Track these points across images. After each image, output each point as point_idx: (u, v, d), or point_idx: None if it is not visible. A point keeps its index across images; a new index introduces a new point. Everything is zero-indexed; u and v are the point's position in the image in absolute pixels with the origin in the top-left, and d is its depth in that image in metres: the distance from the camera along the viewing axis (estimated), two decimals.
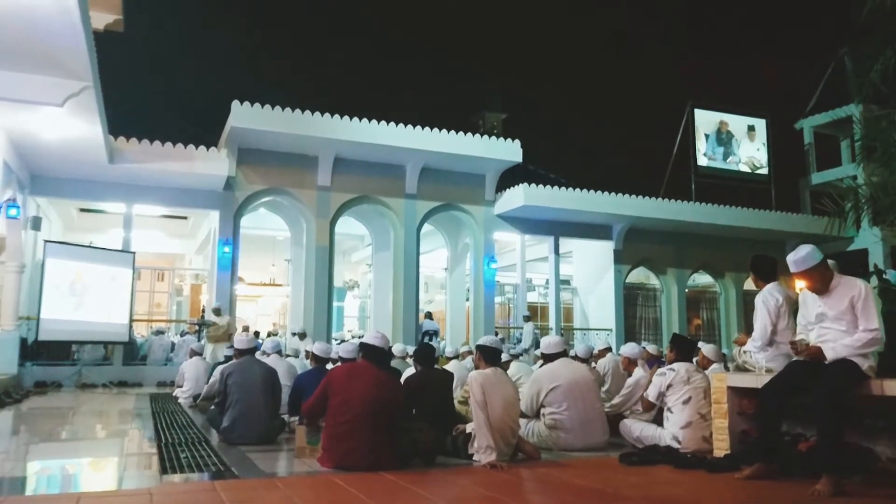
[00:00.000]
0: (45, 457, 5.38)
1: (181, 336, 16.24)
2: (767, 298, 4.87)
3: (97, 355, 13.77)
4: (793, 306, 4.70)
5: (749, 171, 21.29)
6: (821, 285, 4.14)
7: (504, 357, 7.02)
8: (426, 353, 6.11)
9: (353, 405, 4.42)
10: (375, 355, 4.75)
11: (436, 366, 6.40)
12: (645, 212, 17.07)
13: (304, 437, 4.95)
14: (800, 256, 4.12)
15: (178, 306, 21.15)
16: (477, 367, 5.11)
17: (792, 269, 4.17)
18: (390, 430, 4.56)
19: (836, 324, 4.09)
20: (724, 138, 21.09)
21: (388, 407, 4.59)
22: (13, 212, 11.24)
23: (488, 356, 5.06)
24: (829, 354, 4.02)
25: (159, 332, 15.72)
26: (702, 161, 20.60)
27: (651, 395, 5.41)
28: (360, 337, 10.88)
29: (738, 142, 21.25)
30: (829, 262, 4.43)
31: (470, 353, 9.16)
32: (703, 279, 20.99)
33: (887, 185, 8.03)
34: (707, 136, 20.84)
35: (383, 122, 14.46)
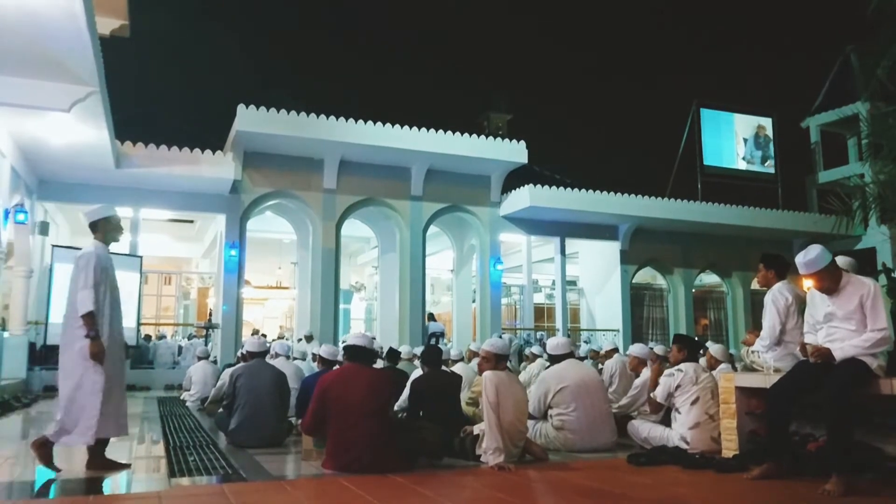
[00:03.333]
0: (54, 461, 5.38)
1: (188, 339, 16.30)
2: (777, 297, 4.84)
3: None
4: (801, 305, 4.67)
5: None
6: (830, 285, 4.12)
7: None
8: (433, 355, 6.10)
9: (353, 411, 4.40)
10: (362, 355, 4.74)
11: (443, 367, 6.39)
12: (651, 212, 17.03)
13: (311, 441, 4.95)
14: (810, 258, 4.09)
15: (185, 310, 21.22)
16: (483, 370, 5.08)
17: (802, 271, 4.14)
18: (392, 429, 4.55)
19: (845, 323, 4.07)
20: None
21: (387, 404, 4.59)
22: (21, 217, 11.30)
23: (496, 359, 5.05)
24: (838, 354, 4.00)
25: (161, 338, 15.78)
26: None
27: (659, 396, 5.39)
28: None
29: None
30: (846, 259, 4.41)
31: (476, 353, 9.15)
32: (710, 279, 20.93)
33: (895, 183, 7.99)
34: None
35: (388, 125, 14.47)
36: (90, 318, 4.34)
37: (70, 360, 4.40)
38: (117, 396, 4.52)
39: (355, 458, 4.34)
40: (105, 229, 4.72)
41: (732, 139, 21.00)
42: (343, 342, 6.01)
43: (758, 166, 21.20)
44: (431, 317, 17.01)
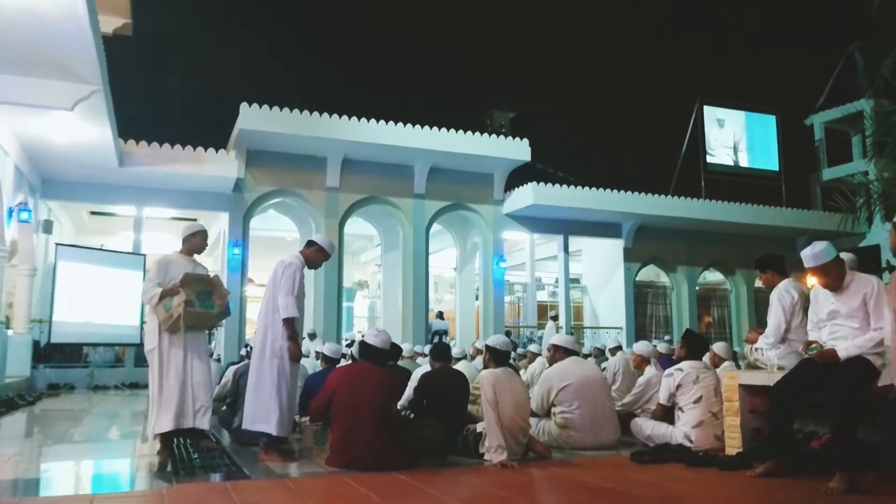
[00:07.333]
0: (59, 458, 5.41)
1: None
2: (783, 295, 4.83)
3: (109, 357, 13.85)
4: (807, 303, 4.66)
5: None
6: (834, 282, 4.12)
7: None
8: (444, 351, 6.09)
9: (358, 409, 4.40)
10: (373, 355, 4.73)
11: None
12: (655, 209, 16.99)
13: (312, 438, 4.96)
14: (816, 251, 4.10)
15: None
16: (486, 367, 5.10)
17: (806, 264, 4.15)
18: (396, 429, 4.55)
19: (848, 321, 4.07)
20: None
21: (393, 406, 4.60)
22: (25, 216, 11.33)
23: (497, 357, 5.06)
24: (842, 354, 3.99)
25: None
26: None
27: (662, 398, 5.38)
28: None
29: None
30: (848, 255, 4.40)
31: (481, 351, 9.15)
32: (713, 276, 20.88)
33: None
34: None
35: (391, 123, 14.46)
36: (292, 323, 4.72)
37: (262, 354, 4.78)
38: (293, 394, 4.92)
39: (359, 455, 4.34)
40: (317, 255, 5.12)
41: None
42: (360, 334, 6.06)
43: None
44: (440, 315, 17.01)
